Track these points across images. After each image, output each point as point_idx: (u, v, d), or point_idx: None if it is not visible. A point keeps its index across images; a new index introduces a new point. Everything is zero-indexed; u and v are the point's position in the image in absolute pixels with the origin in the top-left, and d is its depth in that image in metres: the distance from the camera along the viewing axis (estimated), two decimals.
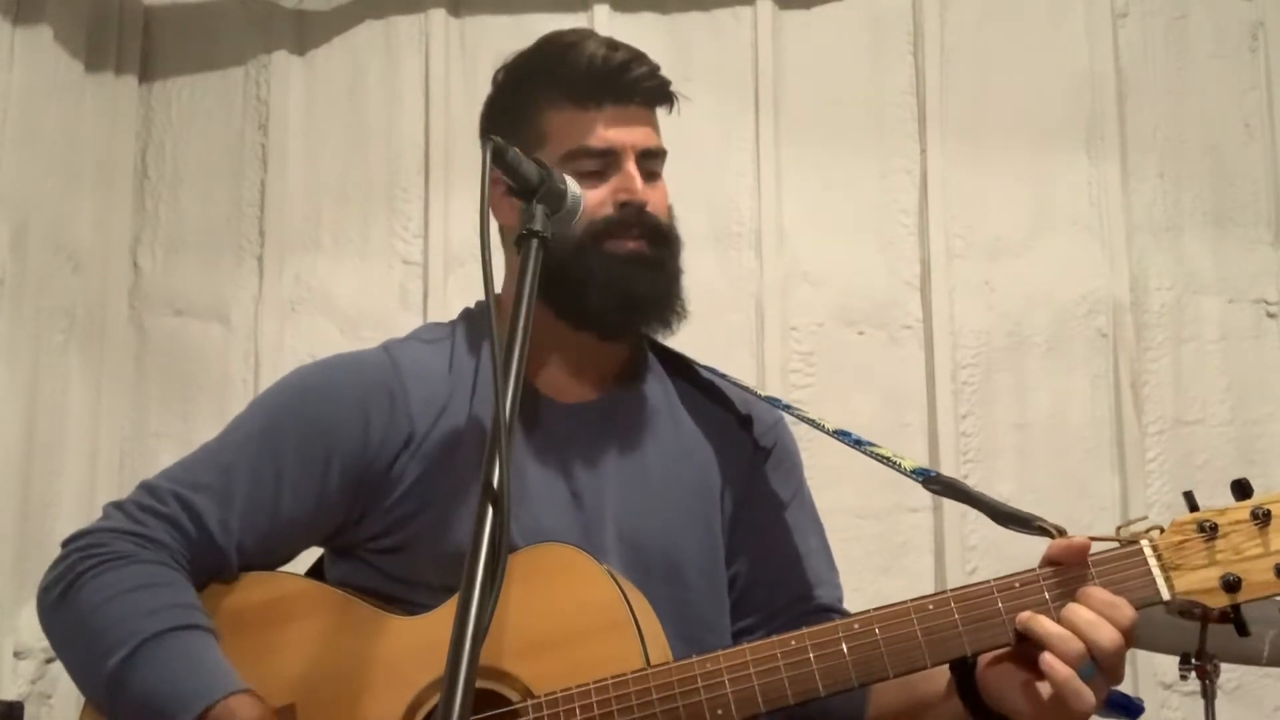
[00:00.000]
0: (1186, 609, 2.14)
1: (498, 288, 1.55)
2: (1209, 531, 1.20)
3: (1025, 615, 1.20)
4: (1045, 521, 1.28)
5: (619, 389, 1.53)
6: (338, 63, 3.26)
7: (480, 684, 1.25)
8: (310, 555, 1.56)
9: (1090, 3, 3.13)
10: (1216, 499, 3.15)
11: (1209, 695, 2.15)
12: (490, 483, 1.07)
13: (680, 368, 1.61)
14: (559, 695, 1.25)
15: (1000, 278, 3.04)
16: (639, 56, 1.51)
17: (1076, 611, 1.18)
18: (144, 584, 1.34)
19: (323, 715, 1.32)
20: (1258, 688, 2.83)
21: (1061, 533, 1.25)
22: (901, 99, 3.13)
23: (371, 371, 1.47)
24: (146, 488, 1.42)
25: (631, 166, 1.46)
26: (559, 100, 1.48)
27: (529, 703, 1.26)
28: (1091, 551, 1.22)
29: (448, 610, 1.32)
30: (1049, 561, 1.23)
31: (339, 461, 1.42)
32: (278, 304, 3.14)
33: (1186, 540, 1.21)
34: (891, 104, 3.13)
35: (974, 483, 2.91)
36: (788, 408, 1.57)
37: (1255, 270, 3.03)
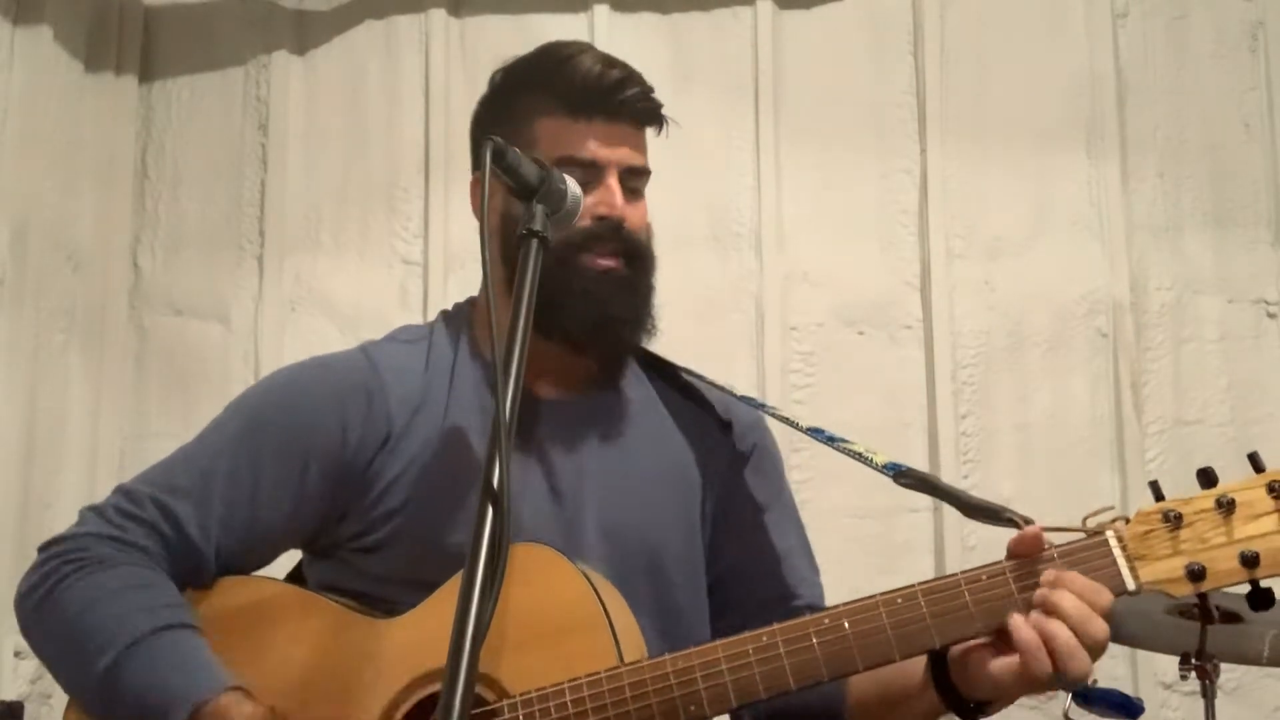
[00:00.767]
0: (1187, 609, 2.14)
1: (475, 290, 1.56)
2: (1174, 521, 1.21)
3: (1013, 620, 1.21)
4: (1014, 513, 1.29)
5: (600, 388, 1.54)
6: (338, 63, 3.26)
7: None
8: (290, 558, 1.55)
9: (1090, 3, 3.13)
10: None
11: (1209, 695, 2.15)
12: (490, 483, 1.07)
13: (659, 369, 1.62)
14: (534, 694, 1.25)
15: (1000, 278, 3.04)
16: (634, 76, 1.53)
17: (1061, 597, 1.19)
18: (129, 585, 1.34)
19: (301, 718, 1.33)
20: (1258, 688, 2.83)
21: (1029, 524, 1.26)
22: (901, 99, 3.13)
23: (349, 372, 1.47)
24: (124, 492, 1.43)
25: (613, 182, 1.47)
26: (552, 108, 1.50)
27: (504, 702, 1.26)
28: (1058, 543, 1.24)
29: (423, 611, 1.33)
30: (1013, 554, 1.25)
31: (317, 463, 1.42)
32: (278, 304, 3.14)
33: (1152, 530, 1.22)
34: (891, 104, 3.13)
35: (974, 483, 2.93)
36: (761, 406, 1.58)
37: (1255, 270, 3.03)
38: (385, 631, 1.36)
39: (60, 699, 2.98)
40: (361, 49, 3.26)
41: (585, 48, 1.55)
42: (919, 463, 2.94)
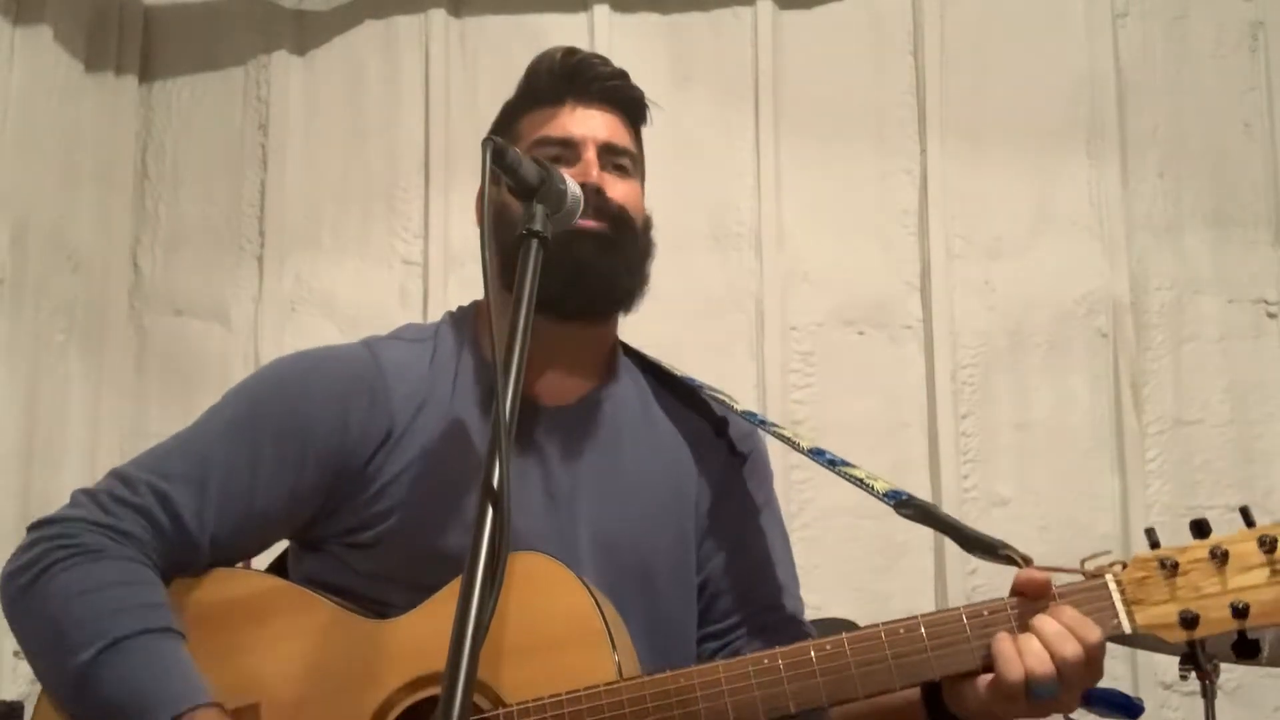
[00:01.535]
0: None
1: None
2: (1169, 569, 1.23)
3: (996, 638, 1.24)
4: (1013, 550, 1.32)
5: (595, 392, 1.53)
6: (338, 63, 3.26)
7: None
8: (276, 547, 1.54)
9: (1090, 3, 3.14)
10: (1216, 499, 3.15)
11: (1209, 695, 2.15)
12: (490, 483, 1.07)
13: (656, 372, 1.62)
14: (530, 704, 1.25)
15: (1000, 278, 3.04)
16: (600, 59, 1.56)
17: (1045, 622, 1.22)
18: (115, 581, 1.31)
19: (288, 716, 1.31)
20: (1258, 688, 2.83)
21: (1028, 562, 1.29)
22: (901, 99, 3.13)
23: (352, 366, 1.46)
24: (119, 476, 1.39)
25: (590, 155, 1.48)
26: (529, 104, 1.54)
27: (500, 711, 1.26)
28: (1057, 583, 1.26)
29: (420, 614, 1.32)
30: (1015, 592, 1.27)
31: (315, 455, 1.40)
32: (278, 304, 3.14)
33: (1148, 576, 1.24)
34: (891, 104, 3.13)
35: (974, 483, 2.93)
36: (762, 423, 1.58)
37: (1255, 270, 3.03)
38: (381, 633, 1.34)
39: None
40: (361, 49, 3.26)
41: (557, 47, 1.58)
42: (919, 463, 2.95)
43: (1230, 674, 2.68)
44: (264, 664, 1.33)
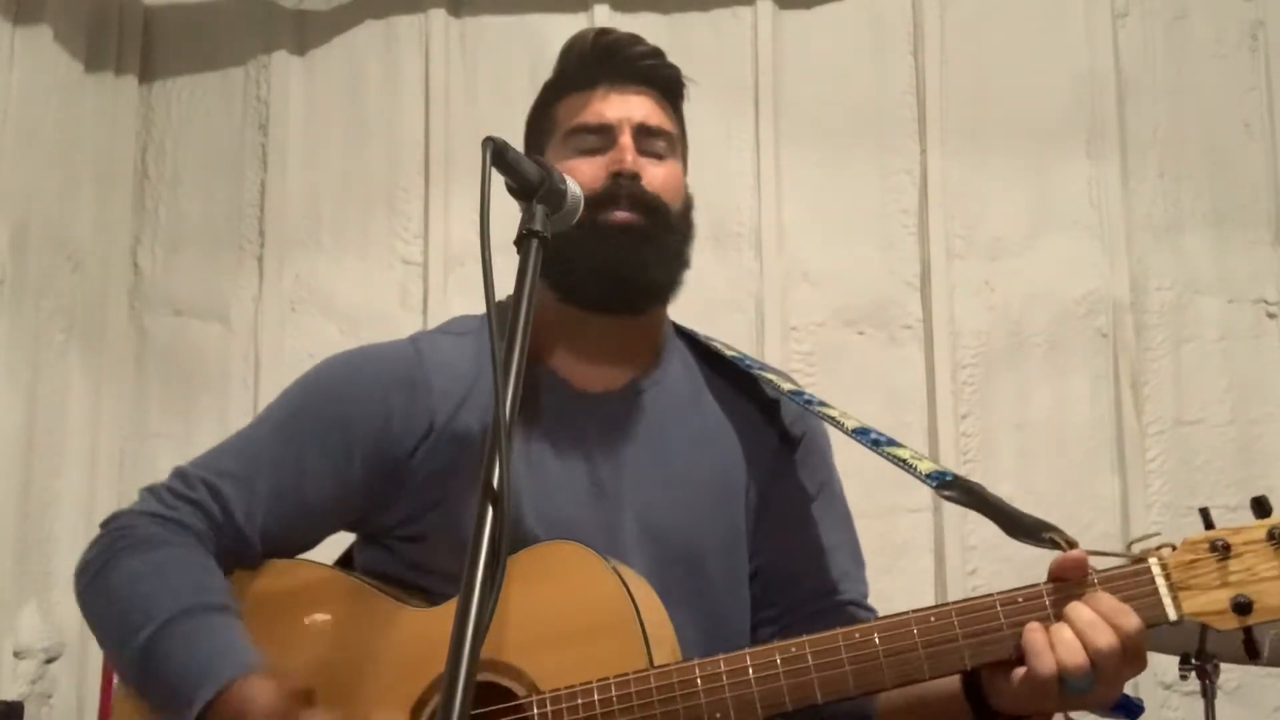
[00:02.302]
0: None
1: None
2: (1221, 551, 1.15)
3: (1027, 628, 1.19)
4: (1058, 534, 1.25)
5: (642, 378, 1.53)
6: (338, 63, 3.26)
7: (490, 678, 1.28)
8: (343, 541, 1.58)
9: (1090, 3, 3.13)
10: (1216, 499, 3.14)
11: (1209, 695, 2.15)
12: (490, 482, 1.07)
13: (708, 355, 1.60)
14: (562, 692, 1.26)
15: (1000, 278, 3.04)
16: (633, 38, 1.54)
17: (1079, 610, 1.17)
18: (172, 565, 1.38)
19: (338, 701, 1.35)
20: (1258, 688, 2.83)
21: (1073, 546, 1.23)
22: (901, 99, 3.13)
23: (395, 363, 1.49)
24: (179, 473, 1.46)
25: (625, 139, 1.47)
26: (563, 90, 1.53)
27: (533, 698, 1.27)
28: (1100, 568, 1.21)
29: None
30: (1053, 577, 1.22)
31: (360, 451, 1.44)
32: (278, 304, 3.14)
33: (1198, 559, 1.16)
34: (891, 104, 3.13)
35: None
36: (808, 403, 1.54)
37: (1255, 270, 3.03)
38: (423, 620, 1.37)
39: (60, 699, 2.99)
40: (361, 49, 3.26)
41: (589, 29, 1.57)
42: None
43: (1230, 674, 2.68)
44: (316, 652, 1.38)
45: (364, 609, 1.40)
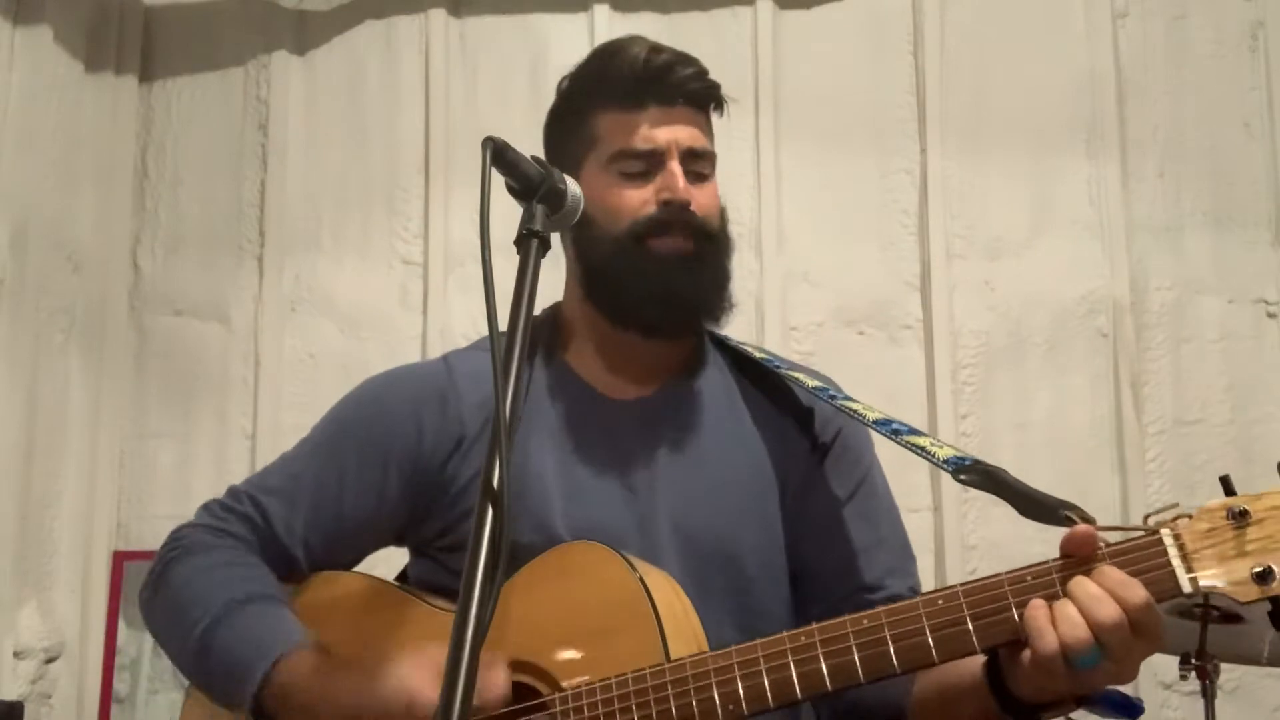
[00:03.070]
0: (1187, 609, 2.14)
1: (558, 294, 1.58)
2: (1239, 518, 1.09)
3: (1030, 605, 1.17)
4: (1074, 511, 1.22)
5: (676, 384, 1.55)
6: (338, 63, 3.26)
7: (515, 677, 1.31)
8: (400, 559, 1.62)
9: (1090, 3, 3.14)
10: (1216, 499, 3.14)
11: (1209, 695, 2.15)
12: (490, 482, 1.08)
13: (743, 362, 1.62)
14: (583, 689, 1.29)
15: (1000, 278, 3.05)
16: (684, 58, 1.54)
17: (1081, 585, 1.14)
18: (222, 564, 1.46)
19: None
20: (1258, 688, 2.83)
21: (1090, 523, 1.20)
22: (901, 99, 3.13)
23: (426, 379, 1.54)
24: (230, 491, 1.55)
25: (675, 165, 1.48)
26: (606, 103, 1.51)
27: (555, 695, 1.31)
28: (1112, 541, 1.18)
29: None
30: (1064, 553, 1.20)
31: (396, 467, 1.49)
32: (278, 304, 3.14)
33: (1214, 528, 1.10)
34: (891, 104, 3.13)
35: None
36: (832, 397, 1.55)
37: (1255, 270, 3.03)
38: (445, 620, 1.40)
39: (60, 699, 2.99)
40: (361, 49, 3.26)
41: (635, 40, 1.56)
42: (919, 462, 2.94)
43: (1230, 674, 2.68)
44: (350, 657, 1.42)
45: (405, 615, 1.46)
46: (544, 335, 1.56)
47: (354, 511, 1.50)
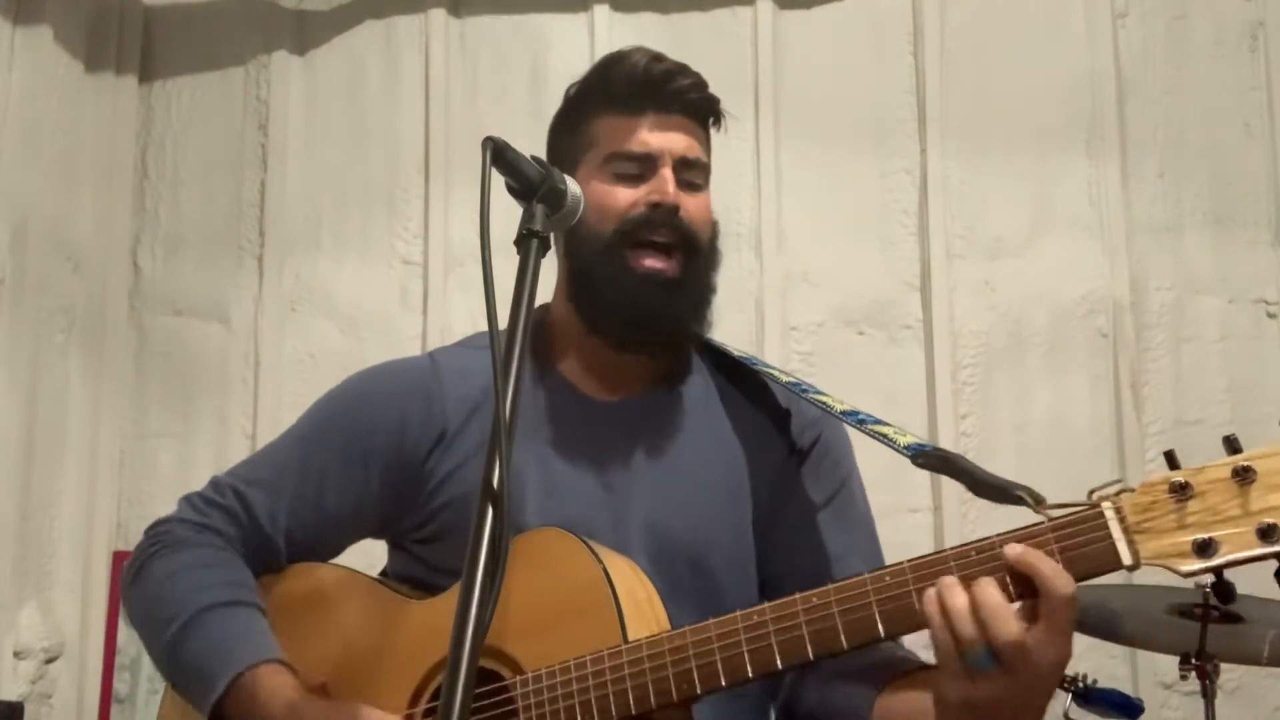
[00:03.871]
0: (1187, 609, 2.14)
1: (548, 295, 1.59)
2: (1180, 491, 1.11)
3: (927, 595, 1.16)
4: (1025, 492, 1.23)
5: (659, 390, 1.57)
6: (338, 63, 3.26)
7: (482, 663, 1.30)
8: (381, 552, 1.63)
9: (1090, 3, 3.14)
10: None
11: (1209, 695, 2.15)
12: (490, 482, 1.09)
13: (722, 365, 1.63)
14: (543, 673, 1.32)
15: (1000, 278, 3.05)
16: (685, 70, 1.55)
17: (983, 588, 1.13)
18: (199, 565, 1.48)
19: (348, 692, 1.42)
20: (1258, 688, 2.83)
21: (1040, 501, 1.22)
22: (901, 99, 3.13)
23: (411, 375, 1.56)
24: (213, 482, 1.57)
25: (667, 171, 1.50)
26: (606, 107, 1.54)
27: (516, 679, 1.34)
28: (1054, 516, 1.17)
29: (452, 594, 1.36)
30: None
31: (378, 460, 1.52)
32: (278, 304, 3.14)
33: (1156, 501, 1.11)
34: (891, 104, 3.13)
35: None
36: (804, 392, 1.56)
37: (1255, 270, 3.03)
38: (422, 612, 1.46)
39: (60, 699, 2.99)
40: (361, 49, 3.26)
41: (639, 49, 1.58)
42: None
43: (1230, 674, 2.68)
44: (330, 647, 1.48)
45: (371, 605, 1.49)
46: (532, 333, 1.57)
47: (336, 503, 1.53)
